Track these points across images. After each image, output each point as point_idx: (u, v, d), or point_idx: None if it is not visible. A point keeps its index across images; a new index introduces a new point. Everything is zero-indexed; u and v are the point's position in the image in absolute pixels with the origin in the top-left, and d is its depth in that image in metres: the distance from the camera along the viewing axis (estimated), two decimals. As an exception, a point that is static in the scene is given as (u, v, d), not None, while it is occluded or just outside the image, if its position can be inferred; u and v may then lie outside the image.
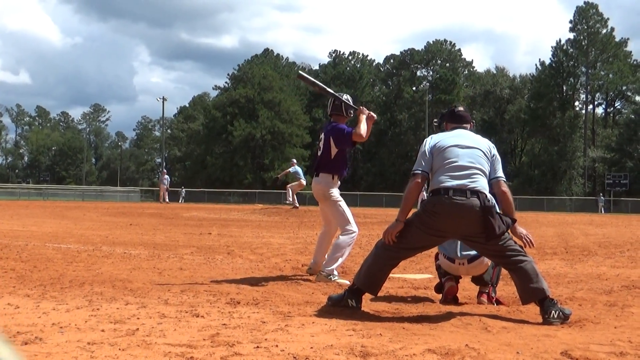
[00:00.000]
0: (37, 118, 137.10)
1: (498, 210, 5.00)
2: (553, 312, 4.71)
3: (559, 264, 9.14)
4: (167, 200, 41.11)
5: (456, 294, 5.77)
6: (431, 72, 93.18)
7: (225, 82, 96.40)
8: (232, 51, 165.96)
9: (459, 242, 5.49)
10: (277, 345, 3.68)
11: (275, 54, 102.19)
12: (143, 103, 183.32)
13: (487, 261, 5.52)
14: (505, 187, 5.13)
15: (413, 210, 5.12)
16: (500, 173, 5.16)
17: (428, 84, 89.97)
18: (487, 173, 5.05)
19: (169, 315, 4.51)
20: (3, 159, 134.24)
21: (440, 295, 5.85)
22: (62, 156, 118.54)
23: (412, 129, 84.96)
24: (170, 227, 15.85)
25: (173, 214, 23.55)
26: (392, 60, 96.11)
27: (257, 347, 3.64)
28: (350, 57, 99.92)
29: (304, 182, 26.28)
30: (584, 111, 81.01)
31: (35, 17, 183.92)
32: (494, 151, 5.20)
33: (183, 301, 5.18)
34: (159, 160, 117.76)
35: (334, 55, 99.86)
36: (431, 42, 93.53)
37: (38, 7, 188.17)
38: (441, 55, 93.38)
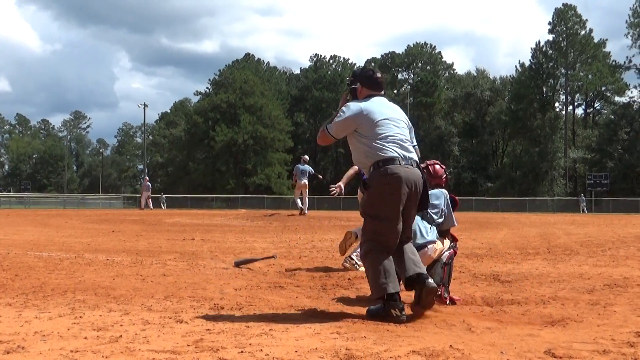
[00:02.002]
0: (17, 126, 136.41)
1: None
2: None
3: (542, 264, 9.18)
4: (151, 206, 40.97)
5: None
6: (412, 75, 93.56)
7: (207, 88, 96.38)
8: (213, 56, 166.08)
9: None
10: (261, 350, 3.67)
11: (256, 59, 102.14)
12: (124, 109, 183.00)
13: (431, 253, 5.61)
14: (418, 152, 5.27)
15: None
16: (415, 141, 5.29)
17: (409, 86, 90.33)
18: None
19: (153, 322, 4.49)
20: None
21: None
22: (43, 164, 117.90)
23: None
24: (153, 233, 15.78)
25: (156, 220, 23.46)
26: (373, 64, 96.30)
27: (242, 351, 3.63)
28: (331, 61, 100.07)
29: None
30: (564, 112, 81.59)
31: (14, 23, 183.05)
32: (408, 120, 5.32)
33: (166, 307, 5.16)
34: (140, 166, 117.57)
35: (315, 59, 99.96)
36: (412, 45, 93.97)
37: (17, 13, 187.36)
38: (422, 58, 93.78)
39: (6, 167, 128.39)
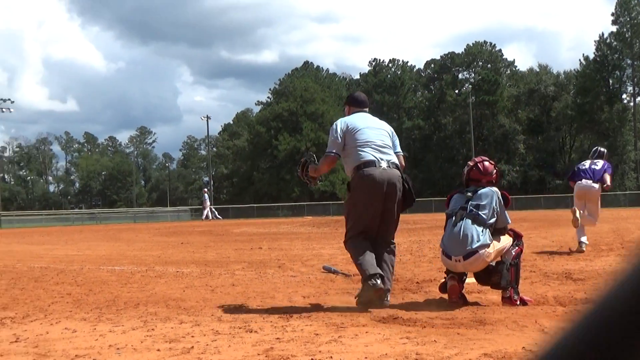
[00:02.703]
0: (85, 144, 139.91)
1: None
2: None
3: (616, 260, 8.96)
4: (210, 217, 41.55)
5: (460, 292, 5.67)
6: (473, 74, 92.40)
7: (268, 97, 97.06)
8: (273, 66, 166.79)
9: (456, 238, 5.57)
10: (331, 357, 3.67)
11: (315, 66, 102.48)
12: (188, 123, 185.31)
13: (485, 257, 5.48)
14: (402, 159, 6.26)
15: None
16: (399, 148, 6.30)
17: (470, 86, 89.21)
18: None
19: (223, 332, 4.53)
20: (55, 186, 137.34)
21: (446, 295, 5.78)
22: (112, 180, 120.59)
23: (457, 132, 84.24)
24: (221, 243, 15.95)
25: (223, 231, 23.71)
26: (432, 65, 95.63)
27: (312, 359, 3.63)
28: (390, 65, 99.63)
29: None
30: (632, 104, 79.50)
31: (79, 45, 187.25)
32: (392, 130, 6.36)
33: (236, 317, 5.20)
34: (206, 178, 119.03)
35: (374, 63, 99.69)
36: (471, 45, 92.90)
37: (81, 35, 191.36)
38: (482, 56, 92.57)
39: (77, 184, 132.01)
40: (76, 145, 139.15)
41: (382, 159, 5.82)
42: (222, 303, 6.01)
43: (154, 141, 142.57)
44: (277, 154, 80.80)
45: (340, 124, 6.21)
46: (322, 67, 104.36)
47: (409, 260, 9.78)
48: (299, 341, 4.13)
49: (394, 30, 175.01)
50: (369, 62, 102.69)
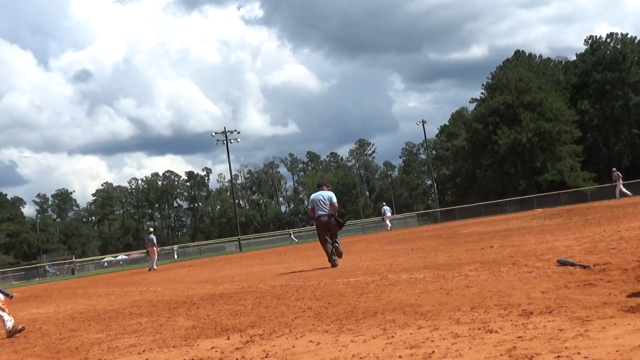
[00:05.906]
0: (309, 163, 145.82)
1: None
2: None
3: None
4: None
5: None
6: None
7: (481, 93, 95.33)
8: (483, 60, 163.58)
9: None
10: (579, 353, 3.50)
11: (527, 54, 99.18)
12: (404, 129, 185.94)
13: None
14: (335, 205, 14.26)
15: None
16: (335, 200, 14.18)
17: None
18: (329, 206, 14.26)
19: (462, 335, 4.48)
20: (285, 206, 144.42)
21: None
22: (337, 194, 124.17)
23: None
24: (451, 246, 15.85)
25: (451, 233, 23.56)
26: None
27: (558, 356, 3.50)
28: (608, 40, 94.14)
29: None
30: None
31: (292, 69, 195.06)
32: (331, 195, 14.35)
33: (474, 318, 5.13)
34: (429, 182, 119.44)
35: (590, 41, 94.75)
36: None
37: (292, 59, 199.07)
38: None
39: (305, 202, 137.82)
40: (301, 165, 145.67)
41: (324, 214, 13.94)
42: (458, 305, 5.96)
43: (373, 152, 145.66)
44: (497, 148, 79.22)
45: (312, 197, 14.40)
46: (534, 54, 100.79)
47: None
48: (543, 338, 4.00)
49: (608, 2, 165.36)
50: (585, 40, 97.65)
